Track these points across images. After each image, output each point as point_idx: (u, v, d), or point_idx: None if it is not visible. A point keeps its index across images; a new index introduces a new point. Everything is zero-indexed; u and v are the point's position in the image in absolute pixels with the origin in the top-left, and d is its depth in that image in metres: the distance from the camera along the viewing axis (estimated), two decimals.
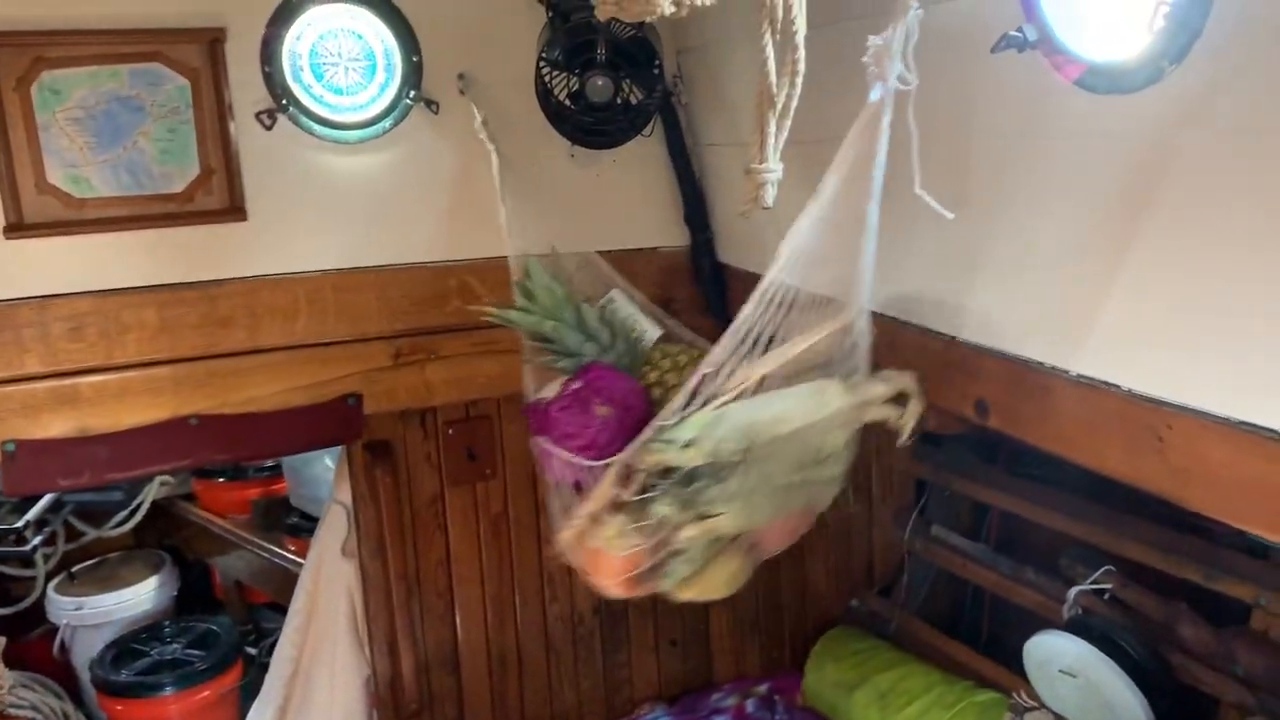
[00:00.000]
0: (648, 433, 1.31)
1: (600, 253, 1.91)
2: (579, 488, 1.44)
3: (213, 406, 1.81)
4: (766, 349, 1.30)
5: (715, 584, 1.46)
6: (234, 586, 3.43)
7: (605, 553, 1.41)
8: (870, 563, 2.56)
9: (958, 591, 2.40)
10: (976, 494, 2.28)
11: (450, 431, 2.09)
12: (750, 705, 2.33)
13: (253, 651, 3.09)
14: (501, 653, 2.20)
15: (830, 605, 2.53)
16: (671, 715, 2.30)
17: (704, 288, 2.10)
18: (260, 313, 1.82)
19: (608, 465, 1.38)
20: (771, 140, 1.17)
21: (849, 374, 1.38)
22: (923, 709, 2.08)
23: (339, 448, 2.16)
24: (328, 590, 2.16)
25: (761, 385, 1.32)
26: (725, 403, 1.29)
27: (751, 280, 1.96)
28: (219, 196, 1.75)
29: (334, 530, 2.15)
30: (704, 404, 1.29)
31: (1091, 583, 1.85)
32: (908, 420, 1.39)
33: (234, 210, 1.76)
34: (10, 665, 2.94)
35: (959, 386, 1.45)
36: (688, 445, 1.26)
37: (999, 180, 1.31)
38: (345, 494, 2.12)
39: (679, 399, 1.31)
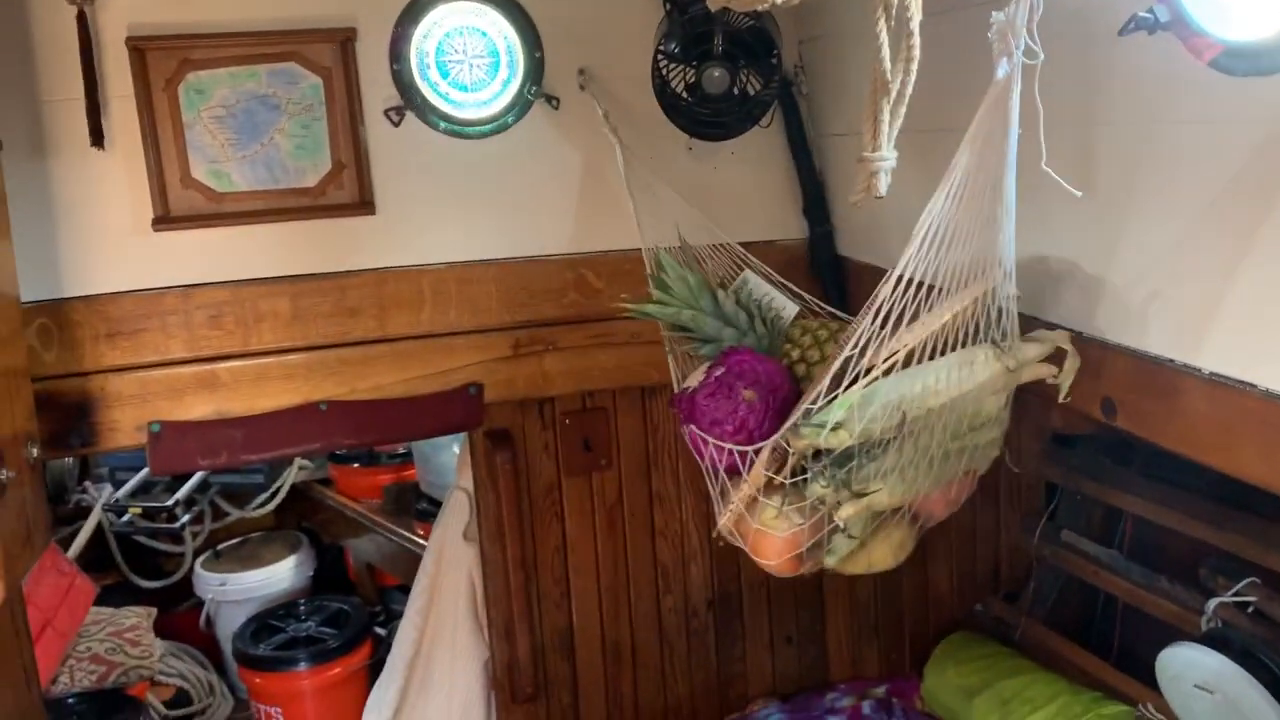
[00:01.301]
0: (795, 417, 1.30)
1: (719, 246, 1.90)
2: (733, 473, 1.45)
3: (342, 393, 1.88)
4: (884, 330, 1.28)
5: (881, 556, 1.47)
6: (365, 569, 3.57)
7: (766, 533, 1.42)
8: (996, 567, 2.48)
9: (1087, 600, 2.30)
10: (1110, 498, 2.18)
11: (567, 422, 2.12)
12: (867, 707, 2.28)
13: (381, 632, 3.20)
14: (615, 642, 2.22)
15: (953, 609, 2.46)
16: (785, 713, 2.27)
17: (823, 281, 2.07)
18: (387, 303, 1.88)
19: (758, 450, 1.39)
20: (885, 128, 1.15)
21: (1000, 339, 1.35)
22: (1046, 718, 2.00)
23: (463, 435, 2.22)
24: (449, 573, 2.21)
25: (909, 360, 1.30)
26: (872, 381, 1.28)
27: (872, 273, 1.95)
28: (349, 191, 1.81)
29: (456, 515, 2.21)
30: (849, 384, 1.28)
31: (1233, 594, 1.75)
32: (1066, 377, 1.34)
33: (363, 204, 1.82)
34: (160, 635, 3.13)
35: (1086, 384, 1.39)
36: (836, 428, 1.25)
37: (1127, 168, 1.25)
38: (467, 480, 2.17)
39: (824, 382, 1.29)
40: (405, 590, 2.99)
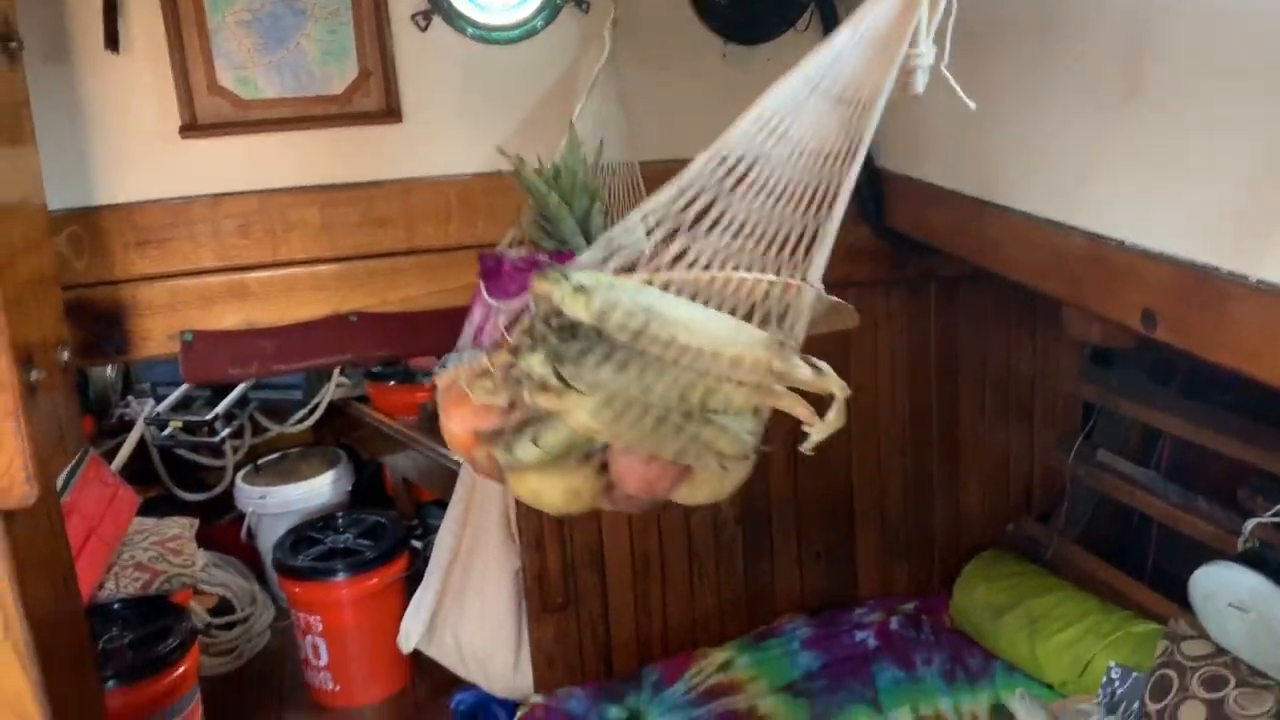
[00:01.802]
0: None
1: (669, 161, 1.83)
2: (479, 334, 1.38)
3: (372, 304, 1.87)
4: (700, 223, 1.15)
5: (553, 490, 1.30)
6: (402, 484, 3.62)
7: (465, 398, 1.29)
8: (1029, 487, 2.46)
9: (1122, 520, 2.28)
10: (1148, 418, 2.14)
11: None
12: (895, 623, 2.29)
13: (418, 545, 3.25)
14: (645, 555, 2.24)
15: (984, 529, 2.45)
16: (813, 627, 2.29)
17: (859, 193, 2.02)
18: (415, 214, 1.86)
19: (510, 308, 1.32)
20: (924, 22, 1.10)
21: (780, 332, 1.20)
22: (1076, 636, 2.00)
23: None
24: (483, 486, 2.24)
25: (671, 286, 1.18)
26: (637, 278, 1.17)
27: (912, 186, 1.90)
28: (375, 98, 1.79)
29: None
30: (610, 261, 1.19)
31: (1272, 515, 1.72)
32: (819, 431, 1.17)
33: (389, 112, 1.80)
34: (203, 547, 3.21)
35: (1125, 295, 1.35)
36: (578, 289, 1.13)
37: (1178, 67, 1.20)
38: None
39: (598, 244, 1.21)
40: (441, 505, 3.04)
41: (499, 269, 1.40)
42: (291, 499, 3.40)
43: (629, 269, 1.21)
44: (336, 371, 3.54)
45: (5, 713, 1.27)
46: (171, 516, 3.14)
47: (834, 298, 1.27)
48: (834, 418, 1.17)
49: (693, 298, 1.19)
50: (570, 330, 1.16)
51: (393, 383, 3.49)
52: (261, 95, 1.74)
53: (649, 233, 1.18)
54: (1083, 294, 1.46)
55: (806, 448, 1.17)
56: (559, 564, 2.15)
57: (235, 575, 3.39)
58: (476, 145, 1.86)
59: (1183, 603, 1.76)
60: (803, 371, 1.17)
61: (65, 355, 1.40)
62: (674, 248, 1.18)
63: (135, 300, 1.73)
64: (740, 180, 1.16)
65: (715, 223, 1.17)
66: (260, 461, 3.57)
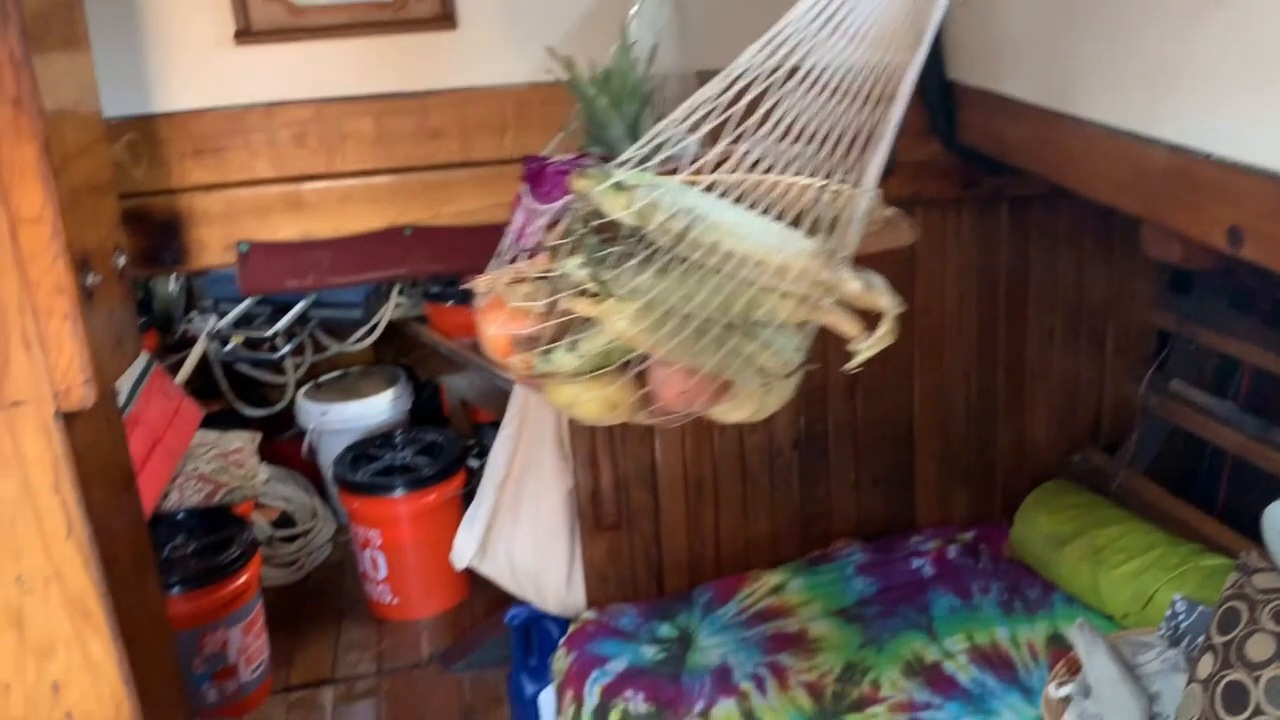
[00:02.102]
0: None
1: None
2: (520, 238, 1.34)
3: (426, 218, 1.86)
4: (749, 119, 1.10)
5: (587, 401, 1.27)
6: (460, 405, 3.65)
7: (500, 302, 1.27)
8: (1098, 417, 2.39)
9: (1193, 453, 2.21)
10: (1226, 347, 2.06)
11: None
12: (952, 551, 2.26)
13: (475, 465, 3.28)
14: (698, 477, 2.23)
15: (1048, 459, 2.39)
16: (868, 553, 2.27)
17: (930, 107, 1.94)
18: (470, 125, 1.83)
19: (551, 210, 1.28)
20: None
21: (828, 241, 1.15)
22: (1140, 568, 1.95)
23: None
24: (536, 403, 2.23)
25: (716, 189, 1.14)
26: (681, 179, 1.13)
27: (985, 99, 1.82)
28: (429, 4, 1.75)
29: None
30: (653, 159, 1.14)
31: None
32: (868, 348, 1.13)
33: (443, 18, 1.76)
34: (266, 461, 3.28)
35: (1209, 211, 1.28)
36: (618, 187, 1.09)
37: None
38: None
39: (640, 140, 1.16)
40: (498, 426, 3.06)
41: (542, 172, 1.36)
42: (351, 416, 3.45)
43: (673, 170, 1.17)
44: (395, 291, 3.56)
45: (70, 610, 1.30)
46: (234, 431, 3.20)
47: (890, 208, 1.22)
48: (883, 335, 1.13)
49: (739, 201, 1.14)
50: (610, 232, 1.13)
51: (451, 303, 3.49)
52: (315, 1, 1.71)
53: (694, 129, 1.14)
54: (1164, 211, 1.39)
55: (851, 367, 1.13)
56: (612, 483, 2.15)
57: (297, 489, 3.46)
58: (533, 54, 1.81)
59: (1254, 538, 1.70)
60: (852, 284, 1.14)
61: (122, 261, 1.41)
62: (720, 147, 1.14)
63: (192, 210, 1.73)
64: (794, 72, 1.11)
65: (765, 119, 1.12)
66: (321, 379, 3.62)
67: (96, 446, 1.36)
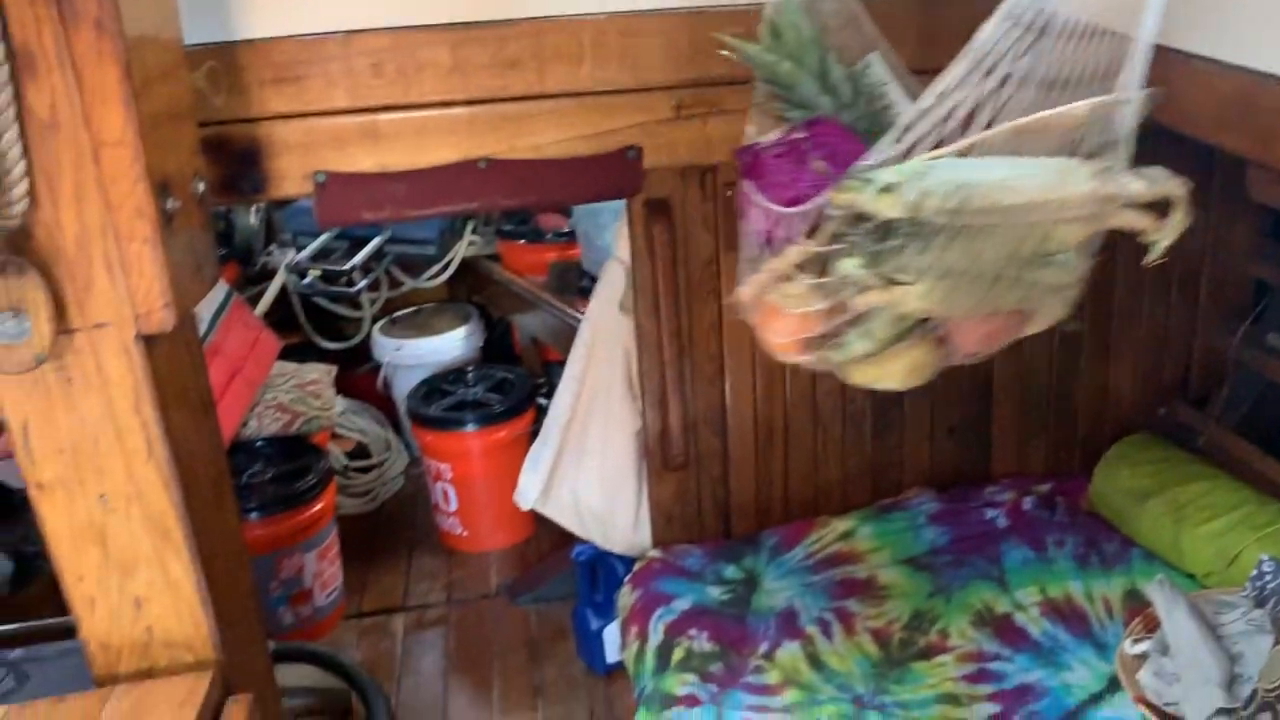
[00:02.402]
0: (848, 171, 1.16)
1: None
2: (770, 241, 1.30)
3: (501, 151, 1.84)
4: (1004, 90, 1.10)
5: (892, 371, 1.29)
6: (531, 342, 3.66)
7: (780, 310, 1.28)
8: (1186, 369, 2.31)
9: None
10: None
11: (730, 194, 2.02)
12: (1027, 503, 2.21)
13: (544, 403, 3.29)
14: (768, 420, 2.20)
15: (1132, 411, 2.32)
16: (941, 503, 2.23)
17: None
18: (547, 56, 1.80)
19: (803, 214, 1.24)
20: None
21: (1103, 160, 1.14)
22: (1225, 526, 1.89)
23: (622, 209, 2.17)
24: (604, 343, 2.22)
25: (983, 147, 1.11)
26: (941, 154, 1.11)
27: None
28: None
29: (612, 286, 2.19)
30: (912, 147, 1.12)
31: None
32: (1166, 235, 1.12)
33: None
34: (342, 394, 3.34)
35: None
36: (885, 190, 1.09)
37: None
38: (624, 251, 2.14)
39: (888, 136, 1.14)
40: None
41: (758, 162, 1.33)
42: (425, 352, 3.49)
43: (933, 146, 1.14)
44: (469, 229, 3.57)
45: (150, 529, 1.34)
46: (311, 363, 3.26)
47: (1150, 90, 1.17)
48: (1179, 219, 1.14)
49: (1007, 152, 1.12)
50: (883, 228, 1.12)
51: (523, 241, 3.50)
52: None
53: (949, 116, 1.12)
54: (1274, 150, 1.31)
55: (1152, 259, 1.14)
56: (681, 423, 2.14)
57: (371, 422, 3.52)
58: None
59: None
60: (1136, 186, 1.14)
61: (201, 188, 1.42)
62: (968, 111, 1.12)
63: (271, 139, 1.73)
64: (1041, 34, 1.08)
65: (1011, 80, 1.10)
66: (396, 315, 3.66)
67: (176, 371, 1.38)
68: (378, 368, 3.63)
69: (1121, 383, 2.31)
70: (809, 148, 1.28)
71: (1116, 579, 1.98)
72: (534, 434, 3.00)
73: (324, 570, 2.81)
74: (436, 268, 3.54)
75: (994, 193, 1.09)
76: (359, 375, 3.65)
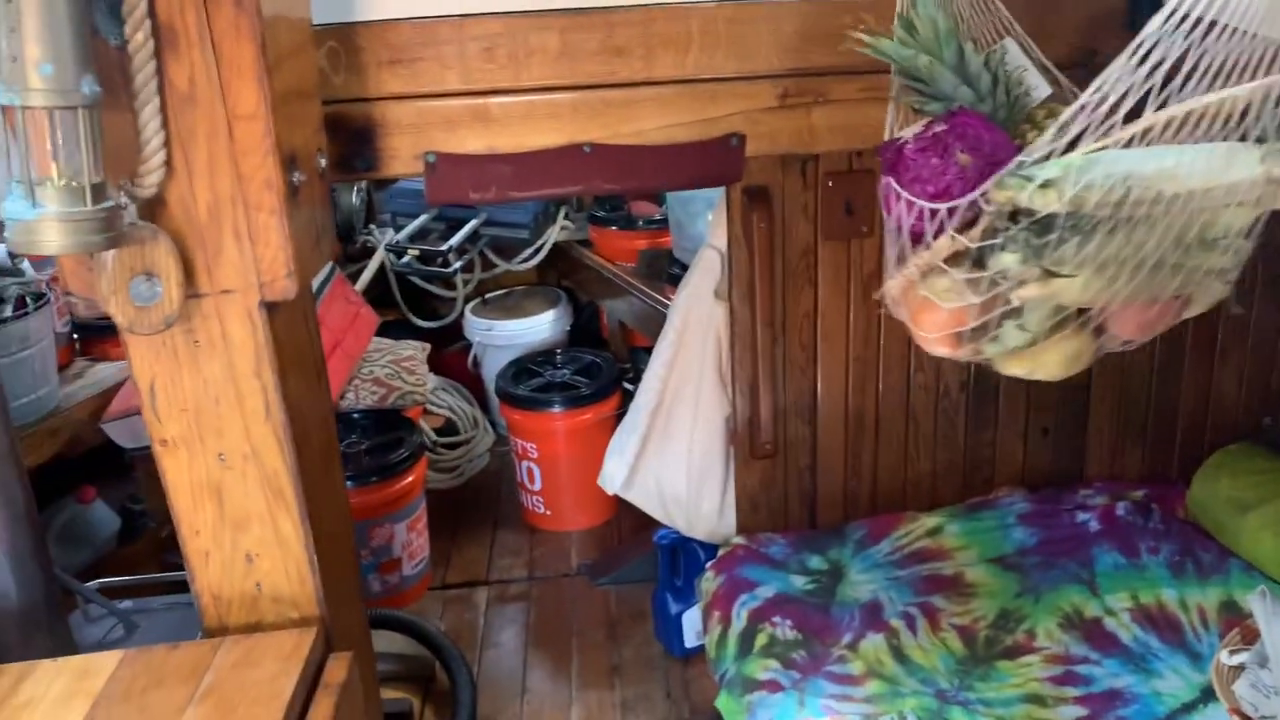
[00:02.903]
0: (1006, 168, 1.16)
1: None
2: (917, 236, 1.30)
3: (605, 136, 1.86)
4: (1169, 85, 1.08)
5: (1049, 362, 1.30)
6: (618, 327, 3.70)
7: (932, 304, 1.29)
8: None
9: None
10: None
11: (830, 183, 2.03)
12: (1121, 509, 2.17)
13: (630, 388, 3.33)
14: (860, 412, 2.20)
15: (1236, 419, 2.26)
16: (1032, 503, 2.20)
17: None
18: (654, 43, 1.82)
19: (951, 210, 1.24)
20: None
21: (1271, 141, 1.12)
22: None
23: (717, 199, 2.18)
24: (696, 329, 2.24)
25: (1146, 137, 1.10)
26: (1102, 146, 1.10)
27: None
28: None
29: (707, 273, 2.21)
30: (1075, 141, 1.12)
31: None
32: None
33: None
34: (433, 372, 3.41)
35: None
36: (1046, 185, 1.09)
37: None
38: (720, 239, 2.15)
39: (1049, 132, 1.14)
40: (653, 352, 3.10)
41: (900, 157, 1.34)
42: (515, 333, 3.56)
43: (1094, 140, 1.14)
44: (562, 214, 3.62)
45: (264, 487, 1.40)
46: (405, 339, 3.34)
47: None
48: None
49: (1172, 139, 1.11)
50: (1043, 222, 1.13)
51: (614, 228, 3.53)
52: None
53: (1113, 110, 1.11)
54: None
55: None
56: (771, 412, 2.14)
57: (460, 400, 3.60)
58: None
59: None
60: None
61: (323, 163, 1.47)
62: (1130, 104, 1.11)
63: (385, 118, 1.79)
64: (1210, 29, 1.07)
65: (1178, 74, 1.08)
66: (488, 296, 3.74)
67: (293, 338, 1.44)
68: (468, 347, 3.70)
69: (1225, 390, 2.25)
70: (951, 140, 1.28)
71: (1213, 589, 1.94)
72: (619, 417, 3.04)
73: (412, 541, 2.88)
74: (529, 251, 3.60)
75: (1157, 182, 1.08)
76: (450, 354, 3.73)
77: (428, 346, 3.36)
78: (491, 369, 3.51)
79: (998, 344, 1.28)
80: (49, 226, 1.06)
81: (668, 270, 3.24)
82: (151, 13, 1.17)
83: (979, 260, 1.24)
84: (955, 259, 1.26)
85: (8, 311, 2.32)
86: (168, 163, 1.23)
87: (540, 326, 3.60)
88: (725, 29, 1.81)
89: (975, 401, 2.22)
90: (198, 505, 1.40)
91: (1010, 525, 2.15)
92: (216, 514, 1.41)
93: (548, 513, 3.21)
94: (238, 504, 1.40)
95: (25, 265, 2.49)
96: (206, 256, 1.29)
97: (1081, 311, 1.27)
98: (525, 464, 3.18)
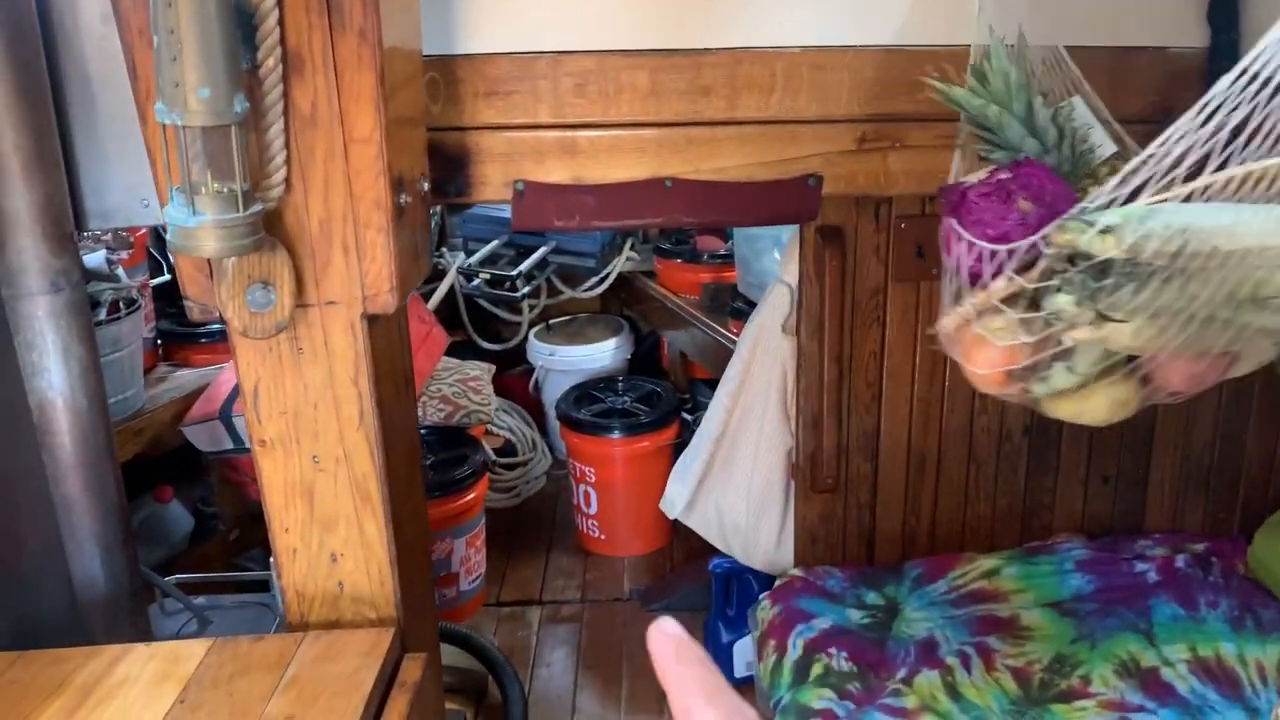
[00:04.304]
0: (1068, 213, 1.20)
1: (1089, 48, 1.73)
2: (975, 277, 1.35)
3: (686, 171, 1.93)
4: (1233, 144, 1.12)
5: (1095, 406, 1.33)
6: (679, 358, 3.76)
7: (985, 341, 1.33)
8: None
9: None
10: None
11: (902, 226, 2.08)
12: (1181, 561, 2.17)
13: (688, 418, 3.38)
14: (922, 452, 2.23)
15: None
16: (1090, 550, 2.21)
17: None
18: (739, 85, 1.88)
19: (1011, 251, 1.28)
20: None
21: None
22: None
23: (786, 238, 2.24)
24: (762, 361, 2.29)
25: (1206, 193, 1.14)
26: (1163, 199, 1.14)
27: None
28: None
29: (776, 308, 2.26)
30: (1137, 191, 1.16)
31: None
32: None
33: None
34: (495, 393, 3.49)
35: None
36: (1106, 231, 1.12)
37: None
38: (792, 275, 2.20)
39: (1111, 181, 1.18)
40: (712, 384, 3.15)
41: (964, 201, 1.39)
42: (577, 359, 3.63)
43: (1156, 192, 1.19)
44: (628, 245, 3.69)
45: (353, 490, 1.47)
46: (471, 360, 3.43)
47: None
48: None
49: (1231, 196, 1.15)
50: (1099, 267, 1.17)
51: (680, 260, 3.60)
52: None
53: (1176, 163, 1.15)
54: None
55: None
56: (834, 447, 2.18)
57: (520, 422, 3.67)
58: (808, 17, 1.85)
59: None
60: None
61: (425, 186, 1.55)
62: (1194, 159, 1.15)
63: (479, 147, 1.87)
64: (1276, 91, 1.11)
65: (1243, 132, 1.12)
66: (552, 322, 3.82)
67: (388, 350, 1.51)
68: (530, 370, 3.78)
69: None
70: (1015, 187, 1.33)
71: (1273, 645, 1.94)
72: (678, 447, 3.10)
73: (470, 557, 2.94)
74: (594, 280, 3.68)
75: (1215, 237, 1.11)
76: (512, 376, 3.81)
77: (492, 368, 3.44)
78: (552, 393, 3.59)
79: (1046, 384, 1.32)
80: (206, 232, 1.15)
81: (731, 304, 3.30)
82: (282, 40, 1.26)
83: (1034, 301, 1.28)
84: (1011, 299, 1.30)
85: (102, 315, 2.43)
86: (287, 179, 1.31)
87: (602, 354, 3.67)
88: (808, 74, 1.87)
89: (1037, 446, 2.25)
90: (289, 504, 1.47)
91: (1068, 571, 2.16)
92: (307, 513, 1.48)
93: (602, 537, 3.26)
94: (327, 505, 1.47)
95: (120, 272, 2.60)
96: (315, 268, 1.37)
97: (1130, 358, 1.30)
98: (583, 488, 3.24)
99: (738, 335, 3.16)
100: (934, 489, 2.26)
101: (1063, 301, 1.20)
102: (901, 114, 1.91)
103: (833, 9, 1.85)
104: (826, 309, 2.10)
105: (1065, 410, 1.36)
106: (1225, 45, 1.83)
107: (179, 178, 1.16)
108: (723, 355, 3.23)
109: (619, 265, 3.68)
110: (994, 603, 2.10)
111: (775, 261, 3.05)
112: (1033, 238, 1.25)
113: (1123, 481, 2.29)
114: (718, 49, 1.86)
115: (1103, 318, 1.18)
